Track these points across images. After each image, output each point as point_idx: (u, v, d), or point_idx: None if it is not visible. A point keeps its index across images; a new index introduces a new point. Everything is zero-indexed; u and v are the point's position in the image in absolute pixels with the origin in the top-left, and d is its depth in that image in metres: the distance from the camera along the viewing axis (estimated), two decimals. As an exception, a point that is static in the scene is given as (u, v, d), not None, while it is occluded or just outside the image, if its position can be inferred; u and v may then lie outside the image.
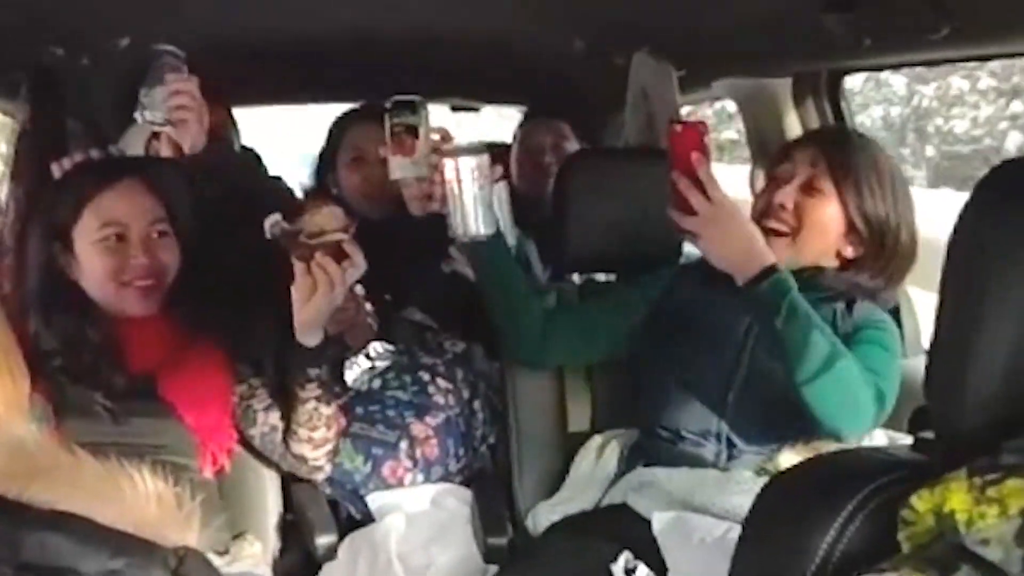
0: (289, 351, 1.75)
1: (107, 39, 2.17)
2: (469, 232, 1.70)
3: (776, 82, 2.29)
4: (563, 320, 1.91)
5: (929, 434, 0.95)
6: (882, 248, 1.74)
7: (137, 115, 1.85)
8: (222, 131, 2.70)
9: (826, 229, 1.73)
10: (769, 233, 1.71)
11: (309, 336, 1.72)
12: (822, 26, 1.67)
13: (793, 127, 2.29)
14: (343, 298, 1.72)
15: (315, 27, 2.33)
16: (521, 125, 2.97)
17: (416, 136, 1.71)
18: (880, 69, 2.42)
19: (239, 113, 3.02)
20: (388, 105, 1.73)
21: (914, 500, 0.85)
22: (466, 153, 1.68)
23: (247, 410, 1.80)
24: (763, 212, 1.77)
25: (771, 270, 1.60)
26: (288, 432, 1.80)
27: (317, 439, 1.81)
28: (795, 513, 0.96)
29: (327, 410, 1.79)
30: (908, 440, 1.01)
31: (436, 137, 1.73)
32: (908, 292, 2.02)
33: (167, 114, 1.82)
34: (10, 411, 1.40)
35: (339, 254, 1.67)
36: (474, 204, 1.67)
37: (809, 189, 1.73)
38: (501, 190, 1.77)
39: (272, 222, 1.66)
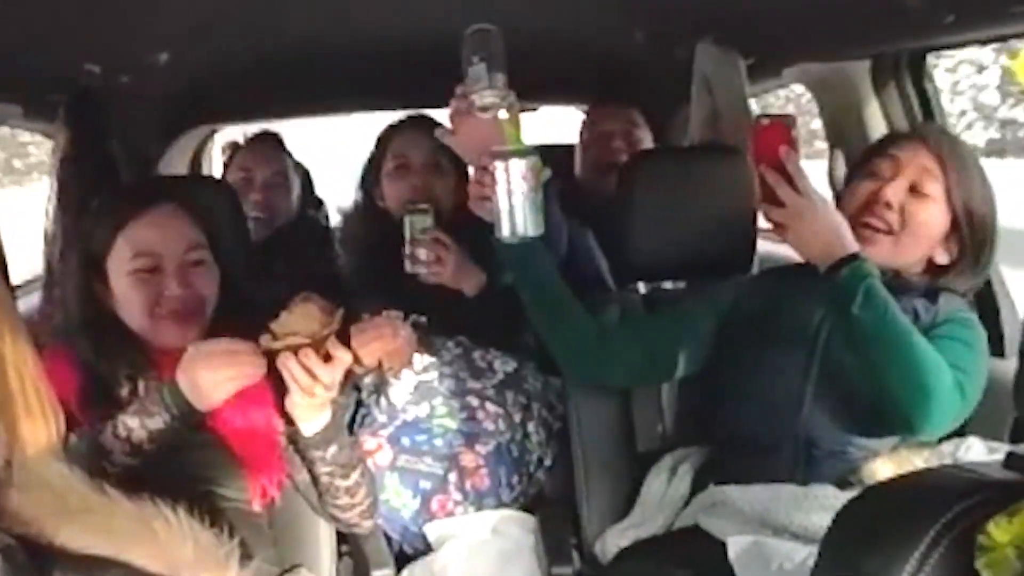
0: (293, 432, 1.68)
1: (145, 55, 2.11)
2: (517, 232, 1.64)
3: (853, 65, 2.15)
4: (623, 337, 1.83)
5: None
6: (982, 248, 1.72)
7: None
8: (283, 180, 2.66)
9: (930, 233, 1.70)
10: (869, 229, 1.70)
11: (305, 427, 1.65)
12: (900, 1, 1.54)
13: (874, 114, 2.15)
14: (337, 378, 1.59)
15: (361, 34, 2.26)
16: (587, 113, 2.83)
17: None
18: (964, 46, 2.25)
19: (284, 126, 2.94)
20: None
21: (991, 528, 0.80)
22: (515, 156, 1.63)
23: (293, 455, 1.73)
24: (864, 207, 1.72)
25: (853, 257, 1.60)
26: (318, 492, 1.75)
27: (342, 504, 1.74)
28: (872, 541, 0.88)
29: (344, 483, 1.71)
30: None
31: None
32: (1009, 290, 1.92)
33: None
34: (40, 453, 1.35)
35: (321, 354, 1.54)
36: (523, 205, 1.62)
37: (916, 191, 1.70)
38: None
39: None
